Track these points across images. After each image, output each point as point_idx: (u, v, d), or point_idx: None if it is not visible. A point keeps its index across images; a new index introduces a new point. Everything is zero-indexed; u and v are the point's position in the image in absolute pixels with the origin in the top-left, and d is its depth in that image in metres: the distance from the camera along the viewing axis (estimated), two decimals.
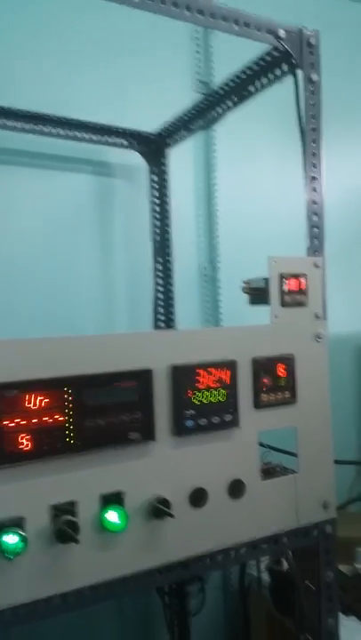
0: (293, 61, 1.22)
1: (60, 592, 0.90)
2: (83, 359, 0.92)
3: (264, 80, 1.38)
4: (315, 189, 1.14)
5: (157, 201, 1.85)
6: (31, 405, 0.87)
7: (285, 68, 1.28)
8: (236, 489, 1.05)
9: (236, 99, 1.51)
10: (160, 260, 1.84)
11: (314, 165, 1.14)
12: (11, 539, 0.84)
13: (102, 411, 0.92)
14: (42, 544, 0.87)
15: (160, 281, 1.83)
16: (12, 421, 0.85)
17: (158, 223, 1.85)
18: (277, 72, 1.32)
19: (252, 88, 1.43)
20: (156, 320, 1.81)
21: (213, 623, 1.98)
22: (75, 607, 0.92)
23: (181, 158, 1.98)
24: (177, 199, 1.91)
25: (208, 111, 1.62)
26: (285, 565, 1.24)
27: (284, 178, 2.02)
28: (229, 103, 1.54)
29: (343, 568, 1.65)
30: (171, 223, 1.86)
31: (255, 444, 1.08)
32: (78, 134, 1.72)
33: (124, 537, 0.93)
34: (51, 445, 0.88)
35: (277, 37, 1.18)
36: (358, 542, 1.73)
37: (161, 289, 1.83)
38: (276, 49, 1.24)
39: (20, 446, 0.86)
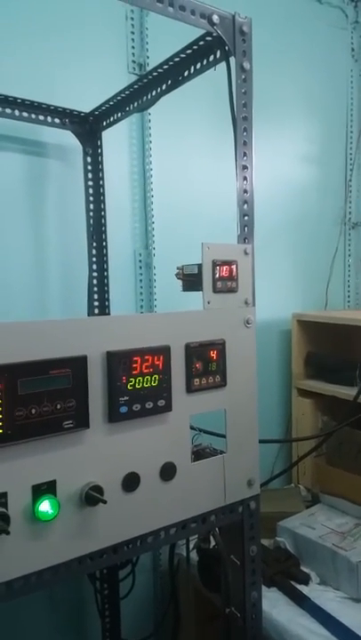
0: (226, 48, 1.23)
1: None
2: (15, 347, 0.89)
3: (198, 65, 1.37)
4: (245, 178, 1.17)
5: (92, 183, 1.82)
6: None
7: (219, 54, 1.29)
8: (167, 472, 1.07)
9: (170, 82, 1.49)
10: (95, 244, 1.81)
11: (245, 154, 1.17)
12: None
13: (35, 399, 0.90)
14: None
15: (95, 266, 1.81)
16: None
17: (93, 206, 1.82)
18: (211, 58, 1.32)
19: (185, 72, 1.42)
20: (91, 306, 1.79)
21: (143, 604, 2.03)
22: (4, 599, 0.91)
23: (117, 141, 1.95)
24: (112, 183, 1.89)
25: (142, 93, 1.60)
26: (212, 543, 1.28)
27: (218, 164, 2.05)
28: (163, 86, 1.52)
29: (266, 542, 1.74)
30: (106, 207, 1.83)
31: (187, 427, 1.11)
32: (10, 111, 1.64)
33: (56, 526, 0.93)
34: None
35: (211, 22, 1.18)
36: (279, 517, 1.82)
37: (95, 274, 1.81)
38: (209, 34, 1.24)
39: None
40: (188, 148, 2.14)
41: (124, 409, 1.00)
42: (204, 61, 1.36)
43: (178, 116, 2.09)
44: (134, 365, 1.01)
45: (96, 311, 1.79)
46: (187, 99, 2.06)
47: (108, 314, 1.78)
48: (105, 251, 1.81)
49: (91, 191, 1.81)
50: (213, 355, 1.13)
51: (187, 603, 1.77)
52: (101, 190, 1.82)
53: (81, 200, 1.81)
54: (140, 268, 2.03)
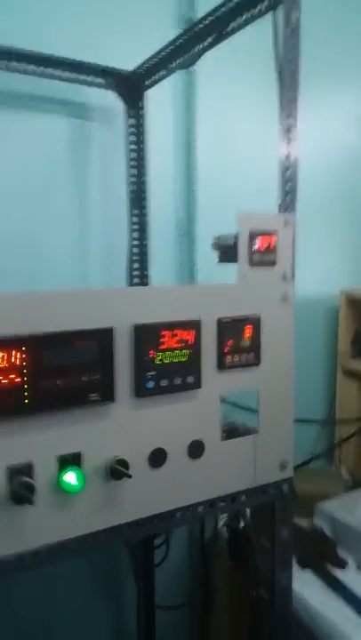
0: None
1: (16, 551, 0.89)
2: (40, 317, 0.88)
3: (246, 15, 1.27)
4: (289, 140, 1.08)
5: (134, 147, 1.75)
6: None
7: (265, 3, 1.18)
8: (195, 449, 1.04)
9: (215, 36, 1.40)
10: (136, 212, 1.77)
11: (290, 114, 1.07)
12: None
13: (60, 371, 0.89)
14: None
15: (135, 235, 1.77)
16: None
17: (135, 171, 1.76)
18: (259, 8, 1.22)
19: (231, 25, 1.32)
20: (131, 277, 1.76)
21: (178, 573, 2.06)
22: (30, 568, 0.92)
23: (161, 102, 1.87)
24: (154, 146, 1.82)
25: (187, 48, 1.51)
26: (243, 522, 1.26)
27: (269, 127, 1.93)
28: (209, 40, 1.43)
29: (303, 522, 1.70)
30: (148, 172, 1.77)
31: (217, 405, 1.07)
32: (51, 71, 1.59)
33: (82, 498, 0.93)
34: (5, 406, 0.85)
35: None
36: (318, 498, 1.78)
37: (136, 243, 1.77)
38: None
39: None
40: (236, 109, 2.03)
41: (150, 384, 0.97)
42: (253, 11, 1.25)
43: (226, 75, 1.97)
44: (163, 340, 0.97)
45: (136, 281, 1.76)
46: (237, 56, 1.95)
47: (147, 284, 1.75)
48: (145, 219, 1.76)
49: (132, 155, 1.75)
50: (247, 331, 1.08)
51: (219, 576, 1.77)
52: (143, 154, 1.76)
53: (123, 165, 1.76)
54: (181, 235, 1.97)
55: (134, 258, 1.76)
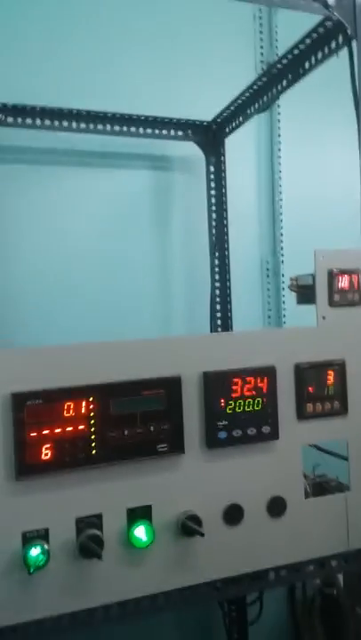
0: (348, 31, 1.09)
1: (86, 607, 0.87)
2: (108, 367, 0.88)
3: (319, 54, 1.25)
4: None
5: (214, 192, 1.78)
6: (54, 415, 0.85)
7: (340, 39, 1.15)
8: (276, 507, 0.97)
9: (290, 77, 1.39)
10: (217, 254, 1.77)
11: None
12: (33, 551, 0.82)
13: (127, 421, 0.88)
14: (66, 557, 0.85)
15: (217, 277, 1.76)
16: (35, 431, 0.84)
17: (215, 216, 1.78)
18: (333, 45, 1.20)
19: (307, 64, 1.31)
20: (214, 319, 1.74)
21: (273, 632, 1.89)
22: (102, 623, 0.89)
23: (243, 145, 1.89)
24: (236, 190, 1.83)
25: (262, 93, 1.51)
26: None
27: (354, 163, 1.85)
28: (284, 82, 1.42)
29: None
30: (228, 216, 1.78)
31: (298, 458, 0.99)
32: (134, 129, 1.68)
33: (152, 554, 0.89)
34: (73, 456, 0.85)
35: (326, 5, 1.06)
36: None
37: (218, 285, 1.76)
38: (329, 19, 1.12)
39: (43, 457, 0.84)
40: (321, 145, 1.98)
41: (222, 434, 0.92)
42: (326, 50, 1.23)
43: (309, 111, 1.95)
44: (234, 387, 0.93)
45: (219, 323, 1.74)
46: (319, 93, 1.92)
47: (231, 327, 1.71)
48: (227, 261, 1.75)
49: (213, 200, 1.77)
50: (330, 377, 1.00)
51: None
52: (224, 199, 1.77)
53: (204, 211, 1.78)
54: (268, 276, 1.92)
55: (217, 300, 1.75)
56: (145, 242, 1.80)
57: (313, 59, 1.28)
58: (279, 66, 1.39)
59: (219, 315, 1.74)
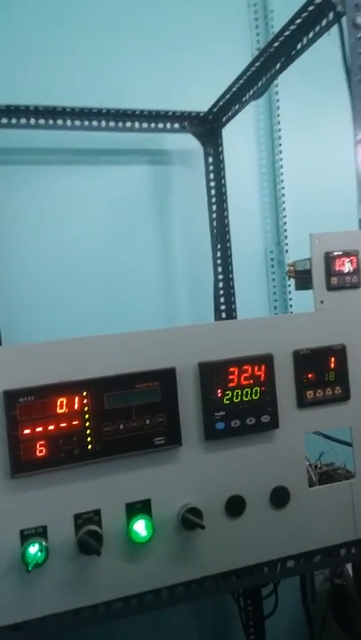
0: (337, 8, 1.06)
1: (88, 604, 0.86)
2: (100, 361, 0.87)
3: (310, 34, 1.23)
4: None
5: (213, 184, 1.75)
6: (48, 411, 0.84)
7: (331, 16, 1.12)
8: (279, 497, 0.94)
9: (284, 59, 1.35)
10: (219, 246, 1.75)
11: None
12: (32, 549, 0.82)
13: (123, 414, 0.87)
14: (66, 554, 0.84)
15: (220, 269, 1.74)
16: (29, 428, 0.83)
17: (215, 208, 1.76)
18: (323, 22, 1.17)
19: (298, 45, 1.28)
20: (218, 310, 1.72)
21: (292, 626, 1.87)
22: (105, 619, 0.88)
23: (242, 134, 1.86)
24: (236, 180, 1.80)
25: (258, 78, 1.48)
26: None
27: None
28: (278, 65, 1.39)
29: None
30: (228, 207, 1.75)
31: (301, 447, 0.96)
32: (130, 124, 1.66)
33: (153, 549, 0.88)
34: (68, 452, 0.84)
35: None
36: None
37: (221, 277, 1.74)
38: None
39: (37, 453, 0.83)
40: (322, 129, 1.94)
41: (220, 425, 0.90)
42: (317, 28, 1.20)
43: (308, 97, 1.91)
44: (231, 377, 0.91)
45: (223, 315, 1.72)
46: (318, 75, 1.88)
47: (235, 317, 1.69)
48: (229, 252, 1.73)
49: (213, 192, 1.75)
50: (331, 362, 0.97)
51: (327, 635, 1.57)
52: (224, 190, 1.74)
53: (204, 203, 1.76)
54: (273, 266, 1.89)
55: (220, 292, 1.73)
56: (146, 237, 1.79)
57: (305, 39, 1.25)
58: (271, 49, 1.36)
59: (223, 307, 1.72)
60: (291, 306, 1.86)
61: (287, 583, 1.73)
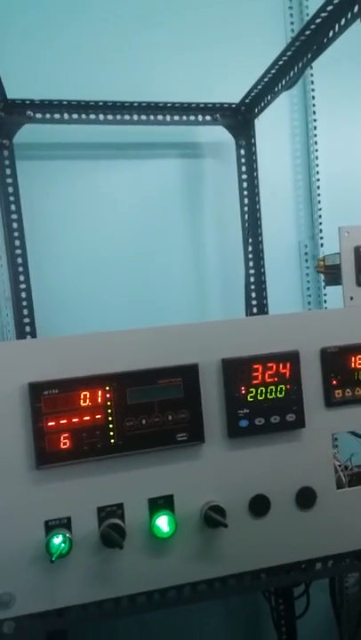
0: None
1: (110, 597, 0.87)
2: (124, 356, 0.87)
3: (343, 20, 1.18)
4: None
5: (245, 176, 1.72)
6: (71, 404, 0.85)
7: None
8: (305, 498, 0.92)
9: (315, 47, 1.31)
10: (250, 240, 1.72)
11: None
12: (56, 540, 0.83)
13: (145, 409, 0.87)
14: (89, 547, 0.85)
15: (251, 263, 1.71)
16: (53, 420, 0.84)
17: (247, 201, 1.72)
18: (355, 8, 1.12)
19: (330, 33, 1.23)
20: (249, 305, 1.70)
21: (324, 627, 1.84)
22: (128, 613, 0.89)
23: (275, 125, 1.82)
24: (270, 172, 1.77)
25: (290, 67, 1.45)
26: None
27: None
28: (310, 54, 1.35)
29: None
30: (261, 200, 1.72)
31: (328, 447, 0.94)
32: (161, 117, 1.65)
33: (175, 545, 0.88)
34: (91, 445, 0.85)
35: None
36: None
37: (252, 271, 1.71)
38: None
39: (62, 446, 0.84)
40: (358, 119, 1.88)
41: (244, 423, 0.89)
42: (348, 15, 1.16)
43: (345, 85, 1.85)
44: (255, 374, 0.89)
45: (255, 311, 1.69)
46: (354, 64, 1.83)
47: (267, 313, 1.67)
48: (261, 246, 1.70)
49: (245, 185, 1.72)
50: (360, 361, 0.94)
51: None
52: (256, 182, 1.71)
53: (236, 197, 1.74)
54: (307, 261, 1.85)
55: (252, 287, 1.70)
56: (177, 231, 1.78)
57: (336, 26, 1.21)
58: (303, 37, 1.32)
59: (255, 302, 1.69)
60: (325, 302, 1.81)
61: (319, 584, 1.71)
